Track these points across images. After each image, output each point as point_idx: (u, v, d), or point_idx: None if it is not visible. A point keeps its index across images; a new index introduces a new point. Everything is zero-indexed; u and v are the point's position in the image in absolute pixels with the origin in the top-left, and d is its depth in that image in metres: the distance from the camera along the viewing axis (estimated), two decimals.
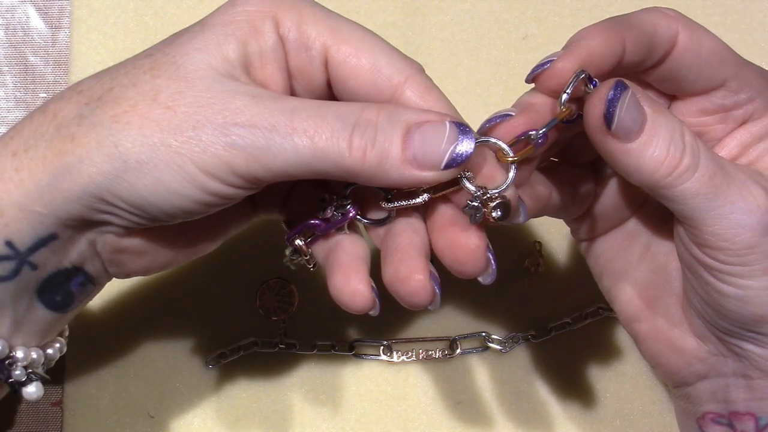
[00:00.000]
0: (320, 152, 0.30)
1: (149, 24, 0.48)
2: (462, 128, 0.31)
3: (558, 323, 0.46)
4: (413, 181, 0.31)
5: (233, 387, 0.46)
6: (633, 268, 0.38)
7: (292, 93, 0.33)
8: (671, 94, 0.36)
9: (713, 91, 0.35)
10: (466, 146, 0.30)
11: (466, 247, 0.32)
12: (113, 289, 0.46)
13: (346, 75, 0.32)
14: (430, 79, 0.33)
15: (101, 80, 0.31)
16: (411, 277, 0.32)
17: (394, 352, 0.46)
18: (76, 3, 0.48)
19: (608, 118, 0.32)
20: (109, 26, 0.48)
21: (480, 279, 0.33)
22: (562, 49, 0.33)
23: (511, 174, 0.32)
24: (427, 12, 0.48)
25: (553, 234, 0.47)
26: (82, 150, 0.30)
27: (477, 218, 0.32)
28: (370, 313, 0.33)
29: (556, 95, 0.33)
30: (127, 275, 0.36)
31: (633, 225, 0.38)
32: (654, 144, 0.32)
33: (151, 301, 0.46)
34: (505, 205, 0.32)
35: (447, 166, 0.30)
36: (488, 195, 0.32)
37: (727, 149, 0.35)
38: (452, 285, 0.47)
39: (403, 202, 0.33)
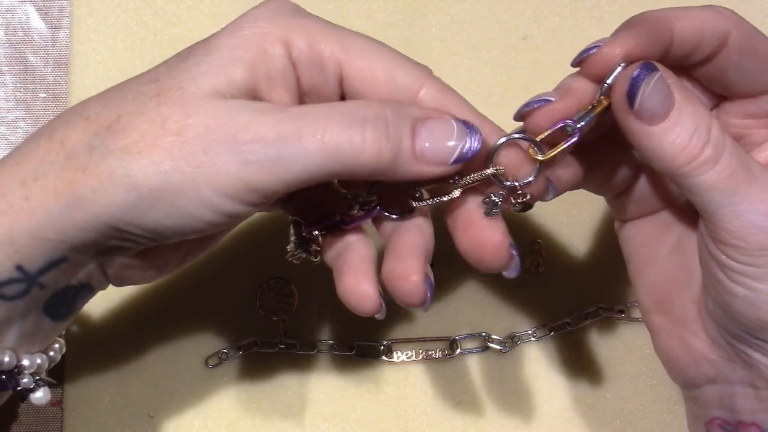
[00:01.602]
0: (333, 151, 0.30)
1: (149, 24, 0.48)
2: (467, 125, 0.31)
3: (558, 323, 0.46)
4: (419, 176, 0.31)
5: (233, 387, 0.46)
6: (661, 258, 0.38)
7: None
8: (720, 93, 0.36)
9: (762, 95, 0.34)
10: (474, 142, 0.31)
11: (491, 243, 0.33)
12: (113, 290, 0.46)
13: (363, 89, 0.32)
14: (442, 81, 0.33)
15: (107, 106, 0.31)
16: (407, 277, 0.33)
17: (394, 352, 0.46)
18: (76, 3, 0.48)
19: (631, 96, 0.31)
20: (109, 26, 0.48)
21: (504, 273, 0.34)
22: (611, 35, 0.33)
23: (536, 170, 0.33)
24: (427, 12, 0.48)
25: (553, 234, 0.47)
26: (95, 181, 0.30)
27: (494, 212, 0.33)
28: (376, 316, 0.34)
29: (599, 81, 0.33)
30: (129, 284, 0.36)
31: (668, 216, 0.38)
32: (677, 131, 0.32)
33: (151, 301, 0.46)
34: (527, 204, 0.33)
35: (455, 162, 0.31)
36: (518, 188, 0.32)
37: (766, 153, 0.35)
38: (452, 285, 0.47)
39: (436, 200, 0.33)
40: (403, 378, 0.46)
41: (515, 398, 0.46)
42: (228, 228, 0.37)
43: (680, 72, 0.34)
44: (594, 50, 0.33)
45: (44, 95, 0.48)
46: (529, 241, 0.47)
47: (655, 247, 0.38)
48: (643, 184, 0.38)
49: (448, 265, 0.47)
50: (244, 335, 0.46)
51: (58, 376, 0.45)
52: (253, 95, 0.31)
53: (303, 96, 0.33)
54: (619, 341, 0.47)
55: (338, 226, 0.34)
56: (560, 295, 0.47)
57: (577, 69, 0.34)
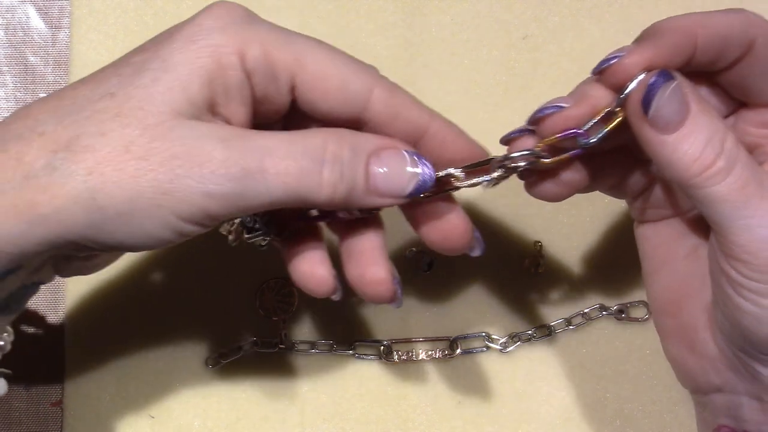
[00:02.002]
0: (293, 192, 0.31)
1: (149, 24, 0.48)
2: (417, 156, 0.33)
3: (558, 323, 0.46)
4: (375, 206, 0.33)
5: (233, 387, 0.46)
6: (676, 262, 0.38)
7: (256, 115, 0.33)
8: (740, 99, 0.35)
9: None
10: (426, 172, 0.32)
11: (458, 230, 0.35)
12: (113, 290, 0.46)
13: (316, 97, 0.33)
14: (389, 80, 0.34)
15: (62, 122, 0.30)
16: (378, 281, 0.34)
17: (394, 352, 0.46)
18: (76, 3, 0.48)
19: (646, 103, 0.31)
20: (109, 26, 0.48)
21: (470, 253, 0.36)
22: (633, 42, 0.33)
23: (496, 174, 0.34)
24: (427, 12, 0.48)
25: (553, 234, 0.47)
26: (59, 202, 0.30)
27: (491, 185, 0.34)
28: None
29: (618, 90, 0.33)
30: (75, 275, 0.37)
31: (686, 222, 0.38)
32: (690, 140, 0.31)
33: (151, 301, 0.46)
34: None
35: (411, 195, 0.33)
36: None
37: None
38: (452, 285, 0.47)
39: (479, 179, 0.34)
40: (403, 378, 0.46)
41: (515, 398, 0.46)
42: None
43: (700, 77, 0.34)
44: (615, 60, 0.32)
45: (44, 95, 0.48)
46: (529, 241, 0.47)
47: (672, 250, 0.38)
48: (660, 190, 0.38)
49: (448, 266, 0.47)
50: (244, 335, 0.46)
51: (58, 376, 0.46)
52: (211, 110, 0.32)
53: (256, 104, 0.33)
54: (619, 341, 0.47)
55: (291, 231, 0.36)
56: (560, 295, 0.47)
57: (588, 75, 0.34)
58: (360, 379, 0.46)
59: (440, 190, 0.34)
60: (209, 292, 0.46)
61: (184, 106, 0.31)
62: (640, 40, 0.33)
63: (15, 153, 0.30)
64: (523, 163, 0.33)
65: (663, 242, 0.38)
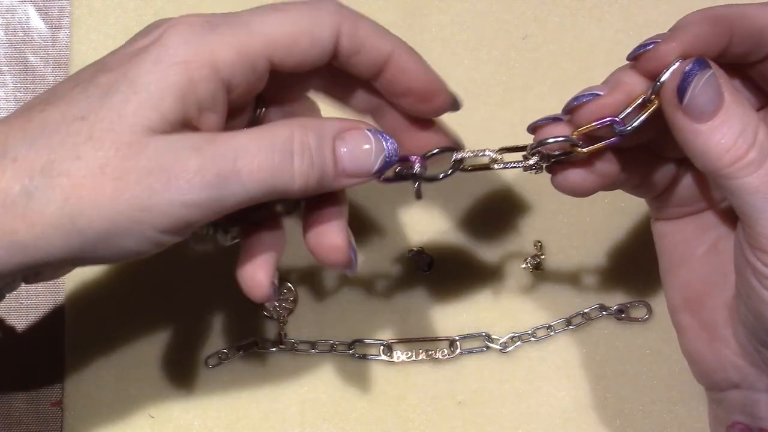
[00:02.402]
0: (268, 186, 0.31)
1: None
2: (380, 133, 0.33)
3: (558, 323, 0.46)
4: (345, 186, 0.34)
5: (233, 387, 0.46)
6: (695, 259, 0.38)
7: (230, 110, 0.33)
8: None
9: None
10: (391, 148, 0.33)
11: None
12: (114, 290, 0.46)
13: (291, 60, 0.33)
14: (351, 11, 0.34)
15: (33, 146, 0.30)
16: (335, 248, 0.35)
17: (394, 352, 0.46)
18: (76, 3, 0.48)
19: (681, 91, 0.31)
20: (109, 26, 0.48)
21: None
22: (669, 30, 0.33)
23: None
24: (427, 12, 0.48)
25: (553, 234, 0.47)
26: (38, 229, 0.30)
27: (535, 168, 0.35)
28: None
29: (653, 77, 0.33)
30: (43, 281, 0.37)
31: (707, 218, 0.38)
32: (724, 131, 0.32)
33: (151, 301, 0.46)
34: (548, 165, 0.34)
35: (379, 171, 0.33)
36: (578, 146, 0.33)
37: None
38: (452, 285, 0.47)
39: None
40: (403, 378, 0.46)
41: (515, 398, 0.46)
42: None
43: (734, 69, 0.34)
44: (651, 46, 0.32)
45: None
46: (529, 240, 0.47)
47: (691, 247, 0.38)
48: (683, 187, 0.38)
49: (448, 266, 0.47)
50: (244, 335, 0.46)
51: (58, 376, 0.46)
52: (185, 124, 0.32)
53: (233, 101, 0.33)
54: (619, 341, 0.47)
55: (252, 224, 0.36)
56: (560, 295, 0.47)
57: (623, 63, 0.34)
58: (360, 379, 0.46)
59: (478, 168, 0.35)
60: (209, 292, 0.46)
61: (157, 123, 0.31)
62: (675, 28, 0.33)
63: None
64: (558, 152, 0.34)
65: (683, 239, 0.38)
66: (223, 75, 0.32)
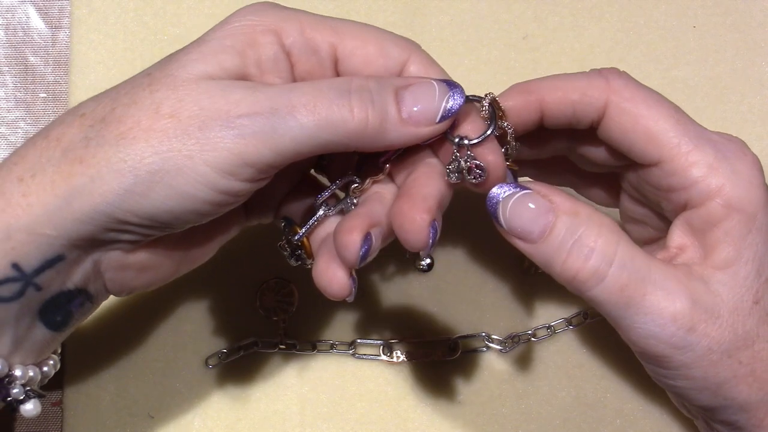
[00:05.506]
0: (323, 122, 0.31)
1: (149, 24, 0.48)
2: (448, 83, 0.33)
3: (558, 323, 0.46)
4: (410, 138, 0.32)
5: (233, 387, 0.46)
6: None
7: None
8: (626, 163, 0.35)
9: (652, 166, 0.34)
10: (457, 97, 0.32)
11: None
12: None
13: (358, 65, 0.33)
14: (429, 55, 0.35)
15: (101, 102, 0.32)
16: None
17: (394, 352, 0.46)
18: (76, 3, 0.48)
19: (494, 216, 0.33)
20: (109, 26, 0.48)
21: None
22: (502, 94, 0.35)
23: (489, 131, 0.33)
24: (427, 12, 0.48)
25: None
26: (92, 170, 0.30)
27: (453, 177, 0.34)
28: (347, 299, 0.34)
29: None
30: (127, 293, 0.36)
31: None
32: (555, 246, 0.32)
33: (151, 301, 0.46)
34: (480, 168, 0.33)
35: (442, 119, 0.32)
36: (464, 143, 0.33)
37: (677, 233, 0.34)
38: (452, 285, 0.47)
39: None
40: (403, 378, 0.46)
41: (515, 398, 0.46)
42: (220, 219, 0.37)
43: (586, 134, 0.35)
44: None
45: (44, 95, 0.48)
46: None
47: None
48: (628, 202, 0.38)
49: (448, 266, 0.47)
50: (244, 335, 0.46)
51: (58, 376, 0.45)
52: (244, 78, 0.32)
53: (298, 81, 0.34)
54: (619, 341, 0.46)
55: (318, 218, 0.36)
56: (560, 295, 0.47)
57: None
58: (360, 379, 0.46)
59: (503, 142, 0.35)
60: (209, 292, 0.46)
61: (216, 71, 0.31)
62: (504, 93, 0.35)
63: (56, 135, 0.31)
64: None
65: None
66: (286, 43, 0.33)
